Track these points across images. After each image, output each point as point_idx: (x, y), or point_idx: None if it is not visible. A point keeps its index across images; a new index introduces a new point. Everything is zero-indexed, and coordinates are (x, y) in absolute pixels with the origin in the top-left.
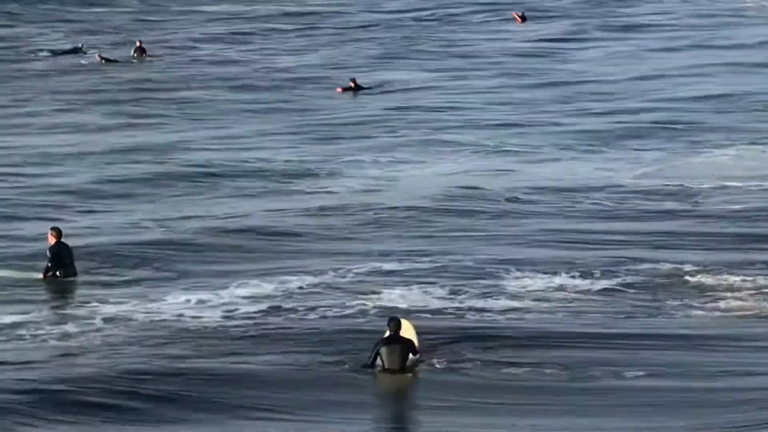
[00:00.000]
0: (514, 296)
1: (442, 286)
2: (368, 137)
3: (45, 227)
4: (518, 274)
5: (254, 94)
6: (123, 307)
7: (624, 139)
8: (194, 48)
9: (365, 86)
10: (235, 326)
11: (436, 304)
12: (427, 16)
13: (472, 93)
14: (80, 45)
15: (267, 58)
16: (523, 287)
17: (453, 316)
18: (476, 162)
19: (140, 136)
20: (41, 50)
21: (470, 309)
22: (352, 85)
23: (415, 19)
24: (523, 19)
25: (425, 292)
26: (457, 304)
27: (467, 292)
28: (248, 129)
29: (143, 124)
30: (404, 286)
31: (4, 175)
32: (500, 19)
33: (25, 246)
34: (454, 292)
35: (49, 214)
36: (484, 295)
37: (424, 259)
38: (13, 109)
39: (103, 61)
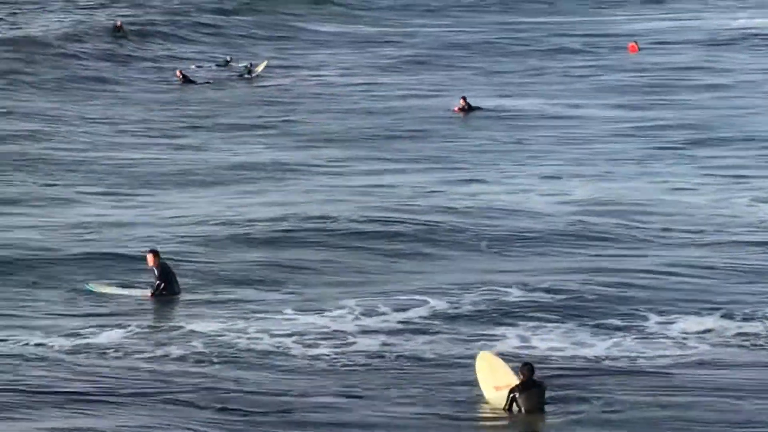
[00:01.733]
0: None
1: (580, 325)
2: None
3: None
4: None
5: (360, 119)
6: (223, 330)
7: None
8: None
9: (477, 107)
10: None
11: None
12: (537, 47)
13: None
14: (228, 58)
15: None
16: (672, 329)
17: (600, 357)
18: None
19: (241, 155)
20: (197, 65)
21: (618, 349)
22: (463, 103)
23: (532, 50)
24: (638, 49)
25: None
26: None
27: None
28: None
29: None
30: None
31: (115, 194)
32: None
33: (129, 264)
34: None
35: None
36: (639, 339)
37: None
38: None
39: (183, 80)
